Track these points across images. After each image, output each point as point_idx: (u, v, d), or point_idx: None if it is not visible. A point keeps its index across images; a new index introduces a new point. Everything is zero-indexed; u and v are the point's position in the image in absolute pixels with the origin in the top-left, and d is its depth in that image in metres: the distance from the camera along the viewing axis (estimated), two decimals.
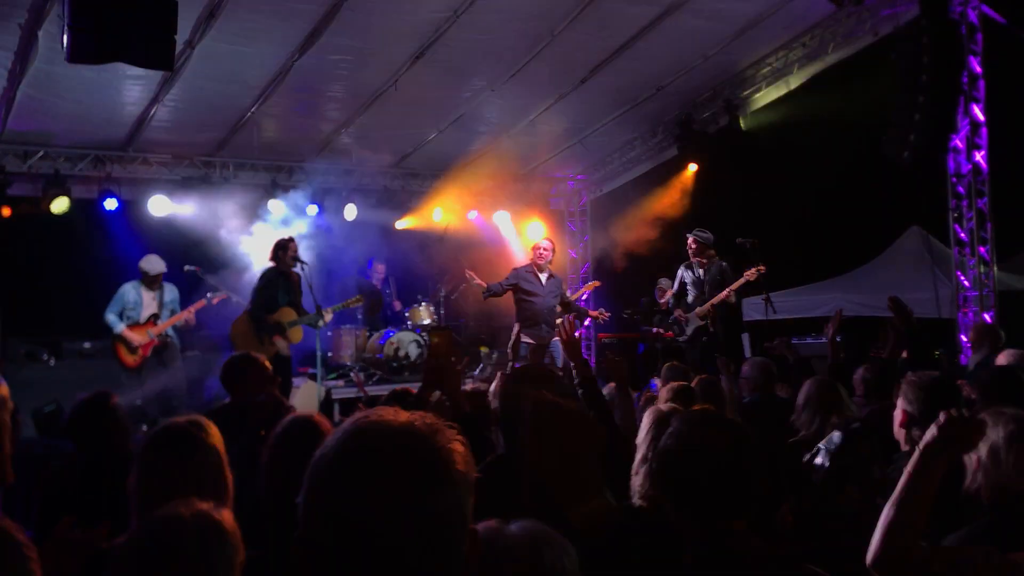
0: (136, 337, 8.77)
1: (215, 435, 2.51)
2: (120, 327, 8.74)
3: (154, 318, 8.89)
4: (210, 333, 9.82)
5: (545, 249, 9.23)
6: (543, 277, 9.21)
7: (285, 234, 9.31)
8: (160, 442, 2.47)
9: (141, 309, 8.86)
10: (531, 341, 9.13)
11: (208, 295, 9.22)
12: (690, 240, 9.27)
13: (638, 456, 2.89)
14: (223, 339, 9.18)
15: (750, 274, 8.79)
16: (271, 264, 8.72)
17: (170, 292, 9.08)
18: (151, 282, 8.90)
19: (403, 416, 1.20)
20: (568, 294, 10.23)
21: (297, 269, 8.65)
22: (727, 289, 8.90)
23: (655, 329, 10.66)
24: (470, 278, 9.86)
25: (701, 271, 9.20)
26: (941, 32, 8.03)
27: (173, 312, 9.03)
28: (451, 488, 1.16)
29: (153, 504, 2.34)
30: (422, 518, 1.12)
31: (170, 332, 9.06)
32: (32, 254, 10.37)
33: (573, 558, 1.40)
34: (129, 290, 8.87)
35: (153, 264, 8.91)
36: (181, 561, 1.77)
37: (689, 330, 9.21)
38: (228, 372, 4.86)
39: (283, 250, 8.66)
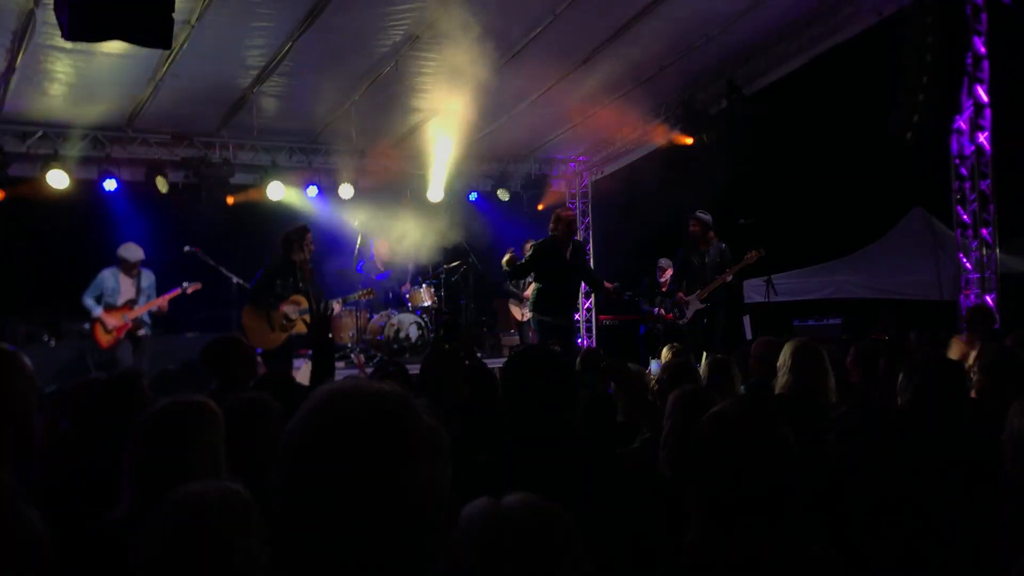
0: (112, 320, 8.89)
1: (214, 420, 2.48)
2: (98, 311, 8.86)
3: (131, 303, 8.97)
4: (210, 314, 9.79)
5: (567, 215, 8.29)
6: (567, 252, 8.14)
7: (285, 216, 9.28)
8: (161, 422, 2.43)
9: (119, 295, 8.94)
10: (550, 320, 8.12)
11: (184, 284, 9.19)
12: (691, 222, 9.23)
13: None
14: (220, 320, 9.19)
15: (749, 257, 8.78)
16: (280, 253, 8.42)
17: (147, 278, 9.15)
18: (129, 269, 8.99)
19: (372, 387, 1.18)
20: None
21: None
22: (726, 273, 8.88)
23: (656, 311, 10.63)
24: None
25: (701, 253, 9.17)
26: (946, 12, 7.97)
27: (150, 297, 9.09)
28: (421, 460, 1.14)
29: (150, 484, 2.32)
30: (393, 491, 1.11)
31: (146, 319, 9.06)
32: (32, 235, 10.36)
33: (573, 525, 1.31)
34: (108, 277, 8.95)
35: (132, 252, 9.00)
36: (208, 539, 1.75)
37: (689, 313, 9.18)
38: (209, 357, 4.58)
39: (298, 241, 8.33)
